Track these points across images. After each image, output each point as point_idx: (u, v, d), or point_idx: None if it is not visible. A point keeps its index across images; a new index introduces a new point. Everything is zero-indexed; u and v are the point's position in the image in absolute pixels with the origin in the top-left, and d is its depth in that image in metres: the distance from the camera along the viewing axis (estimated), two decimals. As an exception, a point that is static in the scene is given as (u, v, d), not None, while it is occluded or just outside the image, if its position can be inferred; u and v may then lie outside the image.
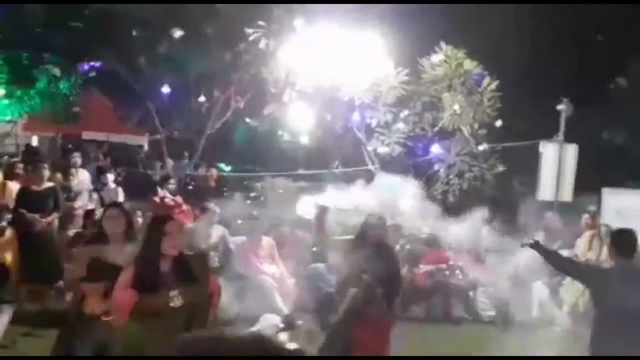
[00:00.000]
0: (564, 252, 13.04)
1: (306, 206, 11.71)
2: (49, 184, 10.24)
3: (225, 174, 20.07)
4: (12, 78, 15.72)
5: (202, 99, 15.43)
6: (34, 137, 22.17)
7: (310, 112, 14.87)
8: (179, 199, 12.04)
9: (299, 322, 10.15)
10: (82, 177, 12.08)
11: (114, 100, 19.37)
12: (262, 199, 17.76)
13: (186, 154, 19.01)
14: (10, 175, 11.17)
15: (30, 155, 16.75)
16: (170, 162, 19.57)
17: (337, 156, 17.84)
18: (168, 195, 11.97)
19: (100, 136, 22.59)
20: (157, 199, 11.64)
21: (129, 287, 4.97)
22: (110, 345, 5.59)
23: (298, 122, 15.36)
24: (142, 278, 5.01)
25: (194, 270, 5.18)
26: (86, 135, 22.32)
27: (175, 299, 5.01)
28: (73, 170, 11.29)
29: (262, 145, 20.90)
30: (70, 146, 22.77)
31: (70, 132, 21.29)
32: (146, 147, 23.75)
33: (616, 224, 13.47)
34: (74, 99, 17.14)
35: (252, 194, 17.89)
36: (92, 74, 17.37)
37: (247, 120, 17.27)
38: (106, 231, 6.10)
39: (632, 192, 16.59)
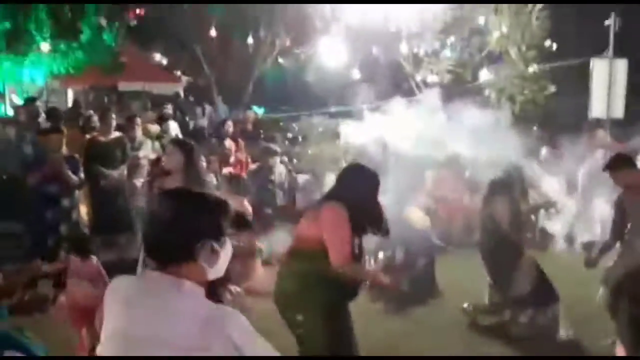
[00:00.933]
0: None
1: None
2: (116, 134, 10.32)
3: (260, 116, 20.13)
4: (56, 32, 15.66)
5: (249, 39, 15.35)
6: (69, 90, 22.32)
7: (356, 46, 14.78)
8: (240, 142, 12.15)
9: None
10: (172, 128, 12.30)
11: (159, 47, 19.37)
12: (300, 138, 17.84)
13: (220, 97, 19.00)
14: (88, 129, 11.31)
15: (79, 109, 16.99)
16: (208, 107, 19.68)
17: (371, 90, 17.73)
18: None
19: (137, 86, 22.70)
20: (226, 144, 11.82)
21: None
22: None
23: (341, 58, 15.27)
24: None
25: None
26: (122, 85, 22.43)
27: None
28: (138, 120, 11.35)
29: (296, 84, 20.83)
30: (106, 98, 22.95)
31: (106, 83, 21.42)
32: (182, 94, 23.87)
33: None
34: (118, 49, 17.11)
35: (290, 135, 17.96)
36: (134, 22, 17.28)
37: (280, 60, 17.18)
38: (166, 167, 6.40)
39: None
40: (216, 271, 2.64)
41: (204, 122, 17.04)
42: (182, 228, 2.55)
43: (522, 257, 7.45)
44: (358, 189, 5.24)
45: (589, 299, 7.50)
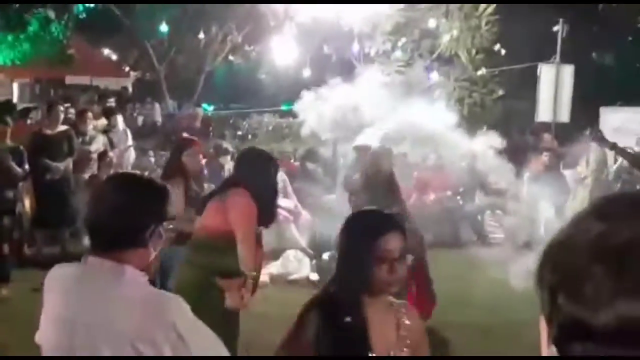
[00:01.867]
0: (568, 172, 13.41)
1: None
2: (63, 128, 10.17)
3: (209, 113, 20.04)
4: (3, 23, 15.31)
5: (200, 35, 15.17)
6: (15, 84, 21.93)
7: (307, 44, 14.73)
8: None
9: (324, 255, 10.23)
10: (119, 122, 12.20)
11: (108, 41, 19.10)
12: (249, 136, 17.82)
13: (168, 94, 18.76)
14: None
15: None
16: (157, 105, 19.49)
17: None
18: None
19: (84, 80, 22.38)
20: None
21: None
22: None
23: (292, 56, 15.21)
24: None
25: None
26: (69, 79, 22.10)
27: None
28: (90, 114, 11.17)
29: (247, 82, 20.77)
30: (52, 91, 22.59)
31: (53, 76, 21.04)
32: (130, 89, 23.61)
33: (614, 141, 13.89)
34: (67, 42, 16.79)
35: (239, 132, 17.93)
36: (83, 15, 16.97)
37: (231, 57, 17.03)
38: (188, 168, 6.35)
39: (627, 109, 16.94)
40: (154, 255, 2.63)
41: (157, 117, 16.82)
42: (136, 214, 2.53)
43: None
44: (260, 175, 5.10)
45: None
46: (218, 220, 4.99)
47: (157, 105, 16.48)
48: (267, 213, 5.13)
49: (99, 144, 10.90)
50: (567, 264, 1.02)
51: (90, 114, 11.16)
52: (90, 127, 10.89)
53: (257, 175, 5.08)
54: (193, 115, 14.74)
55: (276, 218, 5.52)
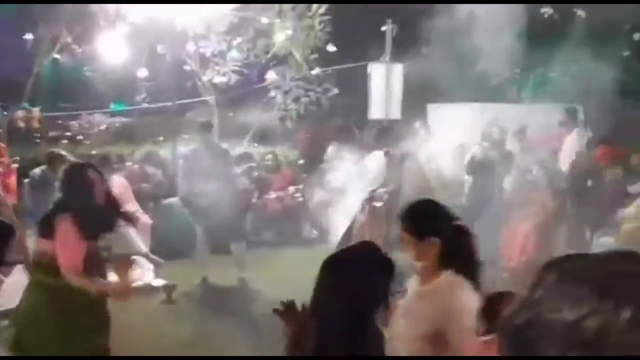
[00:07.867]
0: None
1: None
2: None
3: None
4: None
5: (27, 36, 14.43)
6: None
7: (140, 44, 14.39)
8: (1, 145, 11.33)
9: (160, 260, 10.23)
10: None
11: None
12: (80, 137, 17.23)
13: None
14: None
15: None
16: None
17: (144, 88, 17.36)
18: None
19: None
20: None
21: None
22: None
23: (124, 55, 14.81)
24: None
25: None
26: None
27: None
28: None
29: (72, 81, 20.02)
30: None
31: None
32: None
33: (442, 134, 14.55)
34: None
35: (68, 133, 17.27)
36: None
37: (56, 56, 16.38)
38: None
39: (450, 105, 17.77)
40: None
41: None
42: None
43: None
44: (81, 192, 5.11)
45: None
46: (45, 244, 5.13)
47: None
48: (99, 224, 5.23)
49: None
50: (538, 347, 1.02)
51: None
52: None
53: (76, 193, 5.13)
54: (28, 117, 14.06)
55: (114, 224, 5.47)
